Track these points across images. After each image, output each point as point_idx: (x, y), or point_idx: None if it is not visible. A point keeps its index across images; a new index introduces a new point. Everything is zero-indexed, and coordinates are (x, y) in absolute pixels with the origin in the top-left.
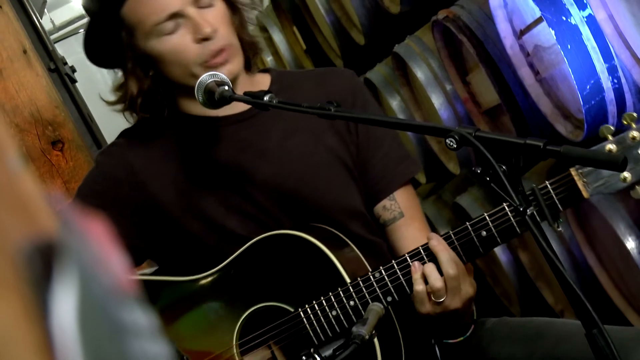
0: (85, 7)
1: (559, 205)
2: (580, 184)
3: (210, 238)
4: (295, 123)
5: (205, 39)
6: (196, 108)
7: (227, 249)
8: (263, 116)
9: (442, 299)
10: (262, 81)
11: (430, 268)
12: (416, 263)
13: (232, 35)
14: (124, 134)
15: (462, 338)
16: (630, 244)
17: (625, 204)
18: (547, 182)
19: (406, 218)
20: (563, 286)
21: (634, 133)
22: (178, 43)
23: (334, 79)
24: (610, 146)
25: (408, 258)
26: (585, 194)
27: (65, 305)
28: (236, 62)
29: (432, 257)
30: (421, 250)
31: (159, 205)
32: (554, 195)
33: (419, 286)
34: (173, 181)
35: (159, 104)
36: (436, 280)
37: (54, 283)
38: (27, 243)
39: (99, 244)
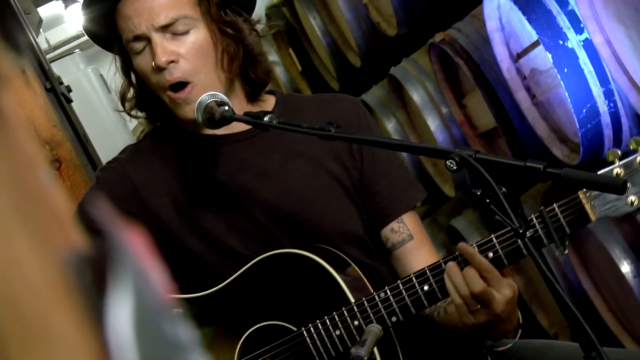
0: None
1: (567, 228)
2: (587, 207)
3: (211, 256)
4: (297, 146)
5: (159, 68)
6: (197, 125)
7: (228, 267)
8: (265, 136)
9: (477, 307)
10: (267, 102)
11: (458, 278)
12: (452, 265)
13: (202, 70)
14: (126, 150)
15: (511, 344)
16: (625, 267)
17: (621, 229)
18: (555, 204)
19: (416, 241)
20: (563, 309)
21: None
22: (143, 65)
23: (338, 105)
24: (618, 170)
25: (414, 278)
26: (592, 217)
27: (121, 314)
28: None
29: (440, 279)
30: (427, 271)
31: (159, 222)
32: (561, 218)
33: (457, 299)
34: (173, 199)
35: (160, 111)
36: (462, 289)
37: (109, 292)
38: (71, 253)
39: (141, 257)
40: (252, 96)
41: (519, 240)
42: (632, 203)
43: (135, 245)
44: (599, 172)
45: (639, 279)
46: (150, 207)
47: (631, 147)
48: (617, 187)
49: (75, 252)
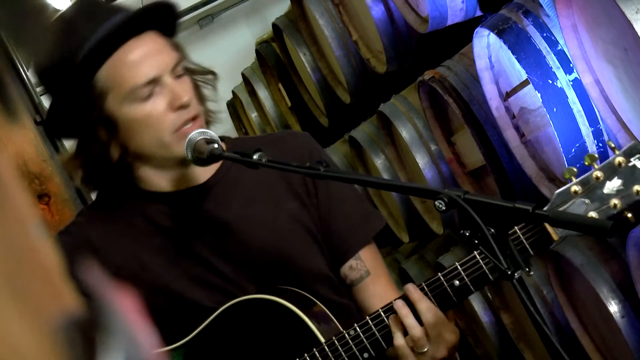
0: (53, 74)
1: (530, 250)
2: (549, 227)
3: (177, 312)
4: (254, 191)
5: (182, 107)
6: (152, 184)
7: (195, 322)
8: (222, 187)
9: (425, 349)
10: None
11: (409, 319)
12: (392, 316)
13: (198, 103)
14: (83, 212)
15: None
16: (612, 307)
17: (609, 267)
18: (516, 227)
19: (372, 276)
20: (549, 350)
21: (597, 173)
22: (152, 110)
23: (290, 143)
24: (576, 187)
25: (382, 313)
26: (554, 237)
27: None
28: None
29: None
30: (394, 305)
31: (121, 282)
32: (524, 240)
33: (399, 340)
34: (135, 257)
35: (117, 177)
36: (415, 329)
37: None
38: (61, 317)
39: (131, 319)
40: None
41: (484, 267)
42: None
43: (125, 308)
44: (557, 192)
45: (626, 318)
46: (111, 267)
47: (586, 164)
48: (606, 229)
49: (66, 315)
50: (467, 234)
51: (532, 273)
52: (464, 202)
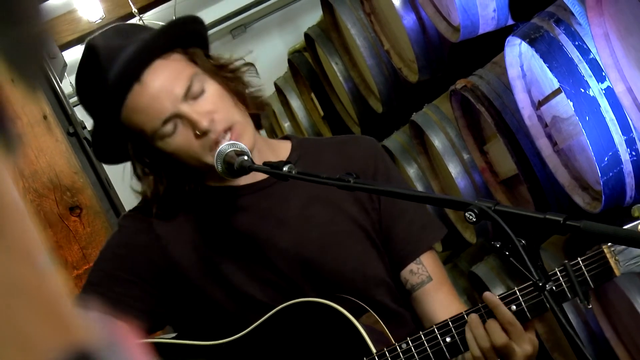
0: (90, 114)
1: (591, 283)
2: (612, 262)
3: (231, 304)
4: (316, 191)
5: (204, 133)
6: (216, 179)
7: (248, 316)
8: (283, 185)
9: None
10: (283, 148)
11: (482, 334)
12: (474, 317)
13: (234, 112)
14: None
15: None
16: None
17: None
18: (579, 258)
19: (435, 282)
20: None
21: None
22: (181, 141)
23: (355, 147)
24: None
25: (436, 329)
26: (617, 272)
27: None
28: (247, 136)
29: (462, 330)
30: (449, 322)
31: (180, 271)
32: (585, 272)
33: (477, 352)
34: (195, 248)
35: (181, 187)
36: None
37: None
38: (59, 355)
39: (132, 355)
40: (257, 125)
41: (543, 295)
42: None
43: (126, 343)
44: (624, 227)
45: None
46: (172, 255)
47: (635, 215)
48: (638, 240)
49: (66, 352)
50: (498, 246)
51: (590, 306)
52: (495, 213)
